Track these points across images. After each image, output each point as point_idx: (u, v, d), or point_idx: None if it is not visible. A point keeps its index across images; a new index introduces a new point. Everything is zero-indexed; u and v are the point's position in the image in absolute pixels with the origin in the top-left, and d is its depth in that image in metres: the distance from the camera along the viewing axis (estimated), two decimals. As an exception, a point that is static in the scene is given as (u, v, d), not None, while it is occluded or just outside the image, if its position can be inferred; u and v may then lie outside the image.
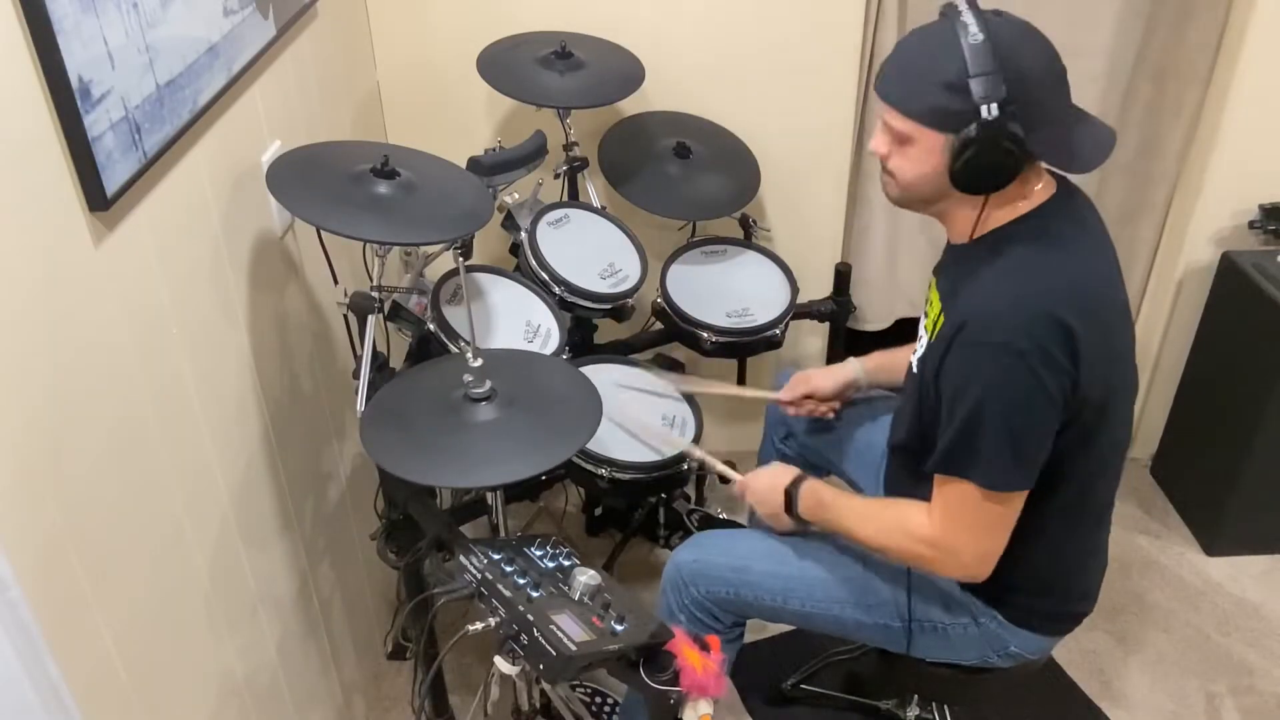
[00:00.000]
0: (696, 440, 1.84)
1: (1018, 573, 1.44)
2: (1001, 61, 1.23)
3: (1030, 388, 1.27)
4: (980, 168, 1.28)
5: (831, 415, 1.87)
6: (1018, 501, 1.35)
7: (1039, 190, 1.36)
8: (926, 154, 1.31)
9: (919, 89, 1.30)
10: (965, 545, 1.38)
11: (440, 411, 1.45)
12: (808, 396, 1.85)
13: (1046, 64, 1.28)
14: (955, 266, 1.42)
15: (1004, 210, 1.35)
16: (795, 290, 2.13)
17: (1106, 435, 1.39)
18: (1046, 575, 1.48)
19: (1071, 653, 2.22)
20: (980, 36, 1.23)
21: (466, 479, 1.45)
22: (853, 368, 1.82)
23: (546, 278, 1.89)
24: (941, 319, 1.38)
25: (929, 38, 1.30)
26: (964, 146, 1.26)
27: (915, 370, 1.48)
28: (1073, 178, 1.42)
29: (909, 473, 1.52)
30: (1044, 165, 1.37)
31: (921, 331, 1.49)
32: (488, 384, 1.44)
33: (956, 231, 1.42)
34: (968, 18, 1.25)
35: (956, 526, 1.37)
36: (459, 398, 1.44)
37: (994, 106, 1.23)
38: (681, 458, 1.80)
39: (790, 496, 1.55)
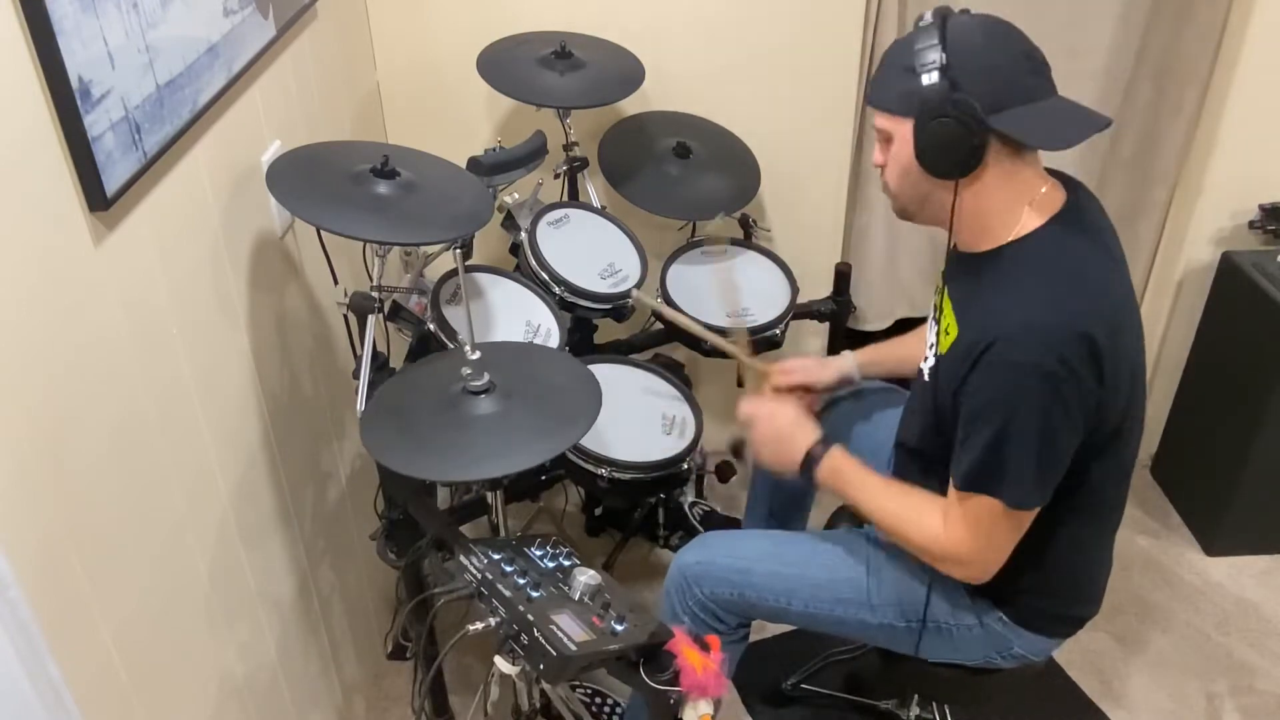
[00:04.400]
0: (696, 441, 1.84)
1: (1026, 575, 1.44)
2: (946, 36, 1.26)
3: (1058, 409, 1.27)
4: (938, 142, 1.28)
5: (816, 407, 1.86)
6: (1030, 517, 1.36)
7: (1046, 196, 1.35)
8: (902, 145, 1.33)
9: (886, 81, 1.34)
10: (976, 556, 1.39)
11: (439, 406, 1.45)
12: (802, 386, 1.83)
13: (1007, 45, 1.29)
14: (970, 277, 1.40)
15: (1015, 220, 1.34)
16: (795, 290, 2.13)
17: (1122, 444, 1.40)
18: (1055, 578, 1.48)
19: (1071, 653, 2.22)
20: (929, 19, 1.27)
21: (467, 472, 1.45)
22: (848, 363, 1.82)
23: (546, 278, 1.89)
24: (955, 331, 1.37)
25: (901, 38, 1.34)
26: (920, 122, 1.29)
27: (927, 380, 1.47)
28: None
29: (915, 474, 1.52)
30: (1041, 171, 1.37)
31: (932, 339, 1.48)
32: (486, 377, 1.44)
33: (962, 238, 1.41)
34: (929, 13, 1.29)
35: (971, 539, 1.37)
36: (458, 392, 1.44)
37: (934, 73, 1.25)
38: (683, 456, 1.80)
39: (811, 459, 1.53)
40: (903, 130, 1.32)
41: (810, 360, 1.85)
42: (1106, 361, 1.27)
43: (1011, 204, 1.34)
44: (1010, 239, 1.34)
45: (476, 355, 1.45)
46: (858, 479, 1.50)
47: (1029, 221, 1.34)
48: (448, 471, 1.46)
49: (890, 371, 1.81)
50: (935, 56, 1.25)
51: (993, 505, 1.33)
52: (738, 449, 2.27)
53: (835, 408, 1.89)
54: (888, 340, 1.84)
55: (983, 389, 1.31)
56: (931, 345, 1.48)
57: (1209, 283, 2.46)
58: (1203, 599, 2.39)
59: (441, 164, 1.67)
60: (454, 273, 1.82)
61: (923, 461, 1.50)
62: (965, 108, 1.25)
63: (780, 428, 1.58)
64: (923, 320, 1.60)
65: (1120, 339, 1.31)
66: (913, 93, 1.27)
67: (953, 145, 1.28)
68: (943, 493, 1.41)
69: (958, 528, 1.38)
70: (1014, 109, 1.27)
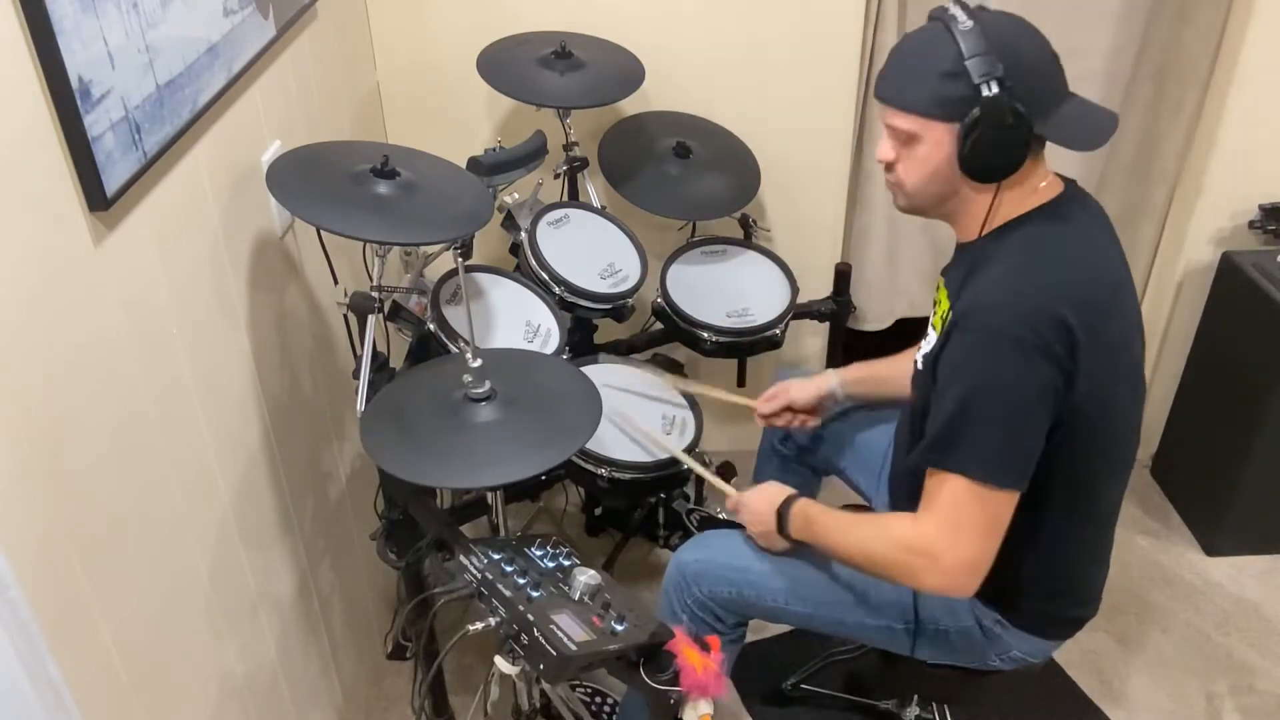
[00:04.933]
0: (696, 441, 1.84)
1: (1023, 576, 1.43)
2: (993, 43, 1.26)
3: (1025, 377, 1.27)
4: (989, 149, 1.29)
5: (810, 427, 1.85)
6: (1006, 505, 1.31)
7: (1045, 188, 1.37)
8: (934, 148, 1.32)
9: (917, 83, 1.32)
10: (947, 548, 1.31)
11: (440, 412, 1.45)
12: (786, 409, 1.83)
13: (1039, 47, 1.31)
14: (963, 263, 1.41)
15: (1010, 206, 1.36)
16: (795, 290, 2.13)
17: (1110, 437, 1.39)
18: (1052, 579, 1.47)
19: (1071, 653, 2.22)
20: (970, 23, 1.27)
21: (467, 480, 1.45)
22: (830, 380, 1.81)
23: (546, 278, 1.89)
24: (949, 315, 1.38)
25: (920, 36, 1.33)
26: (970, 130, 1.28)
27: (921, 367, 1.47)
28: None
29: (912, 474, 1.51)
30: (1048, 167, 1.38)
31: (929, 330, 1.49)
32: (487, 384, 1.44)
33: (965, 229, 1.41)
34: (955, 10, 1.29)
35: (940, 526, 1.32)
36: (459, 398, 1.44)
37: (994, 84, 1.25)
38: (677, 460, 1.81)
39: (781, 517, 1.53)
40: (936, 134, 1.31)
41: (791, 382, 1.84)
42: (1080, 340, 1.27)
43: (1019, 197, 1.36)
44: (1000, 224, 1.36)
45: (478, 363, 1.45)
46: (823, 519, 1.49)
47: (1021, 207, 1.36)
48: (448, 478, 1.46)
49: (873, 391, 1.79)
50: (991, 66, 1.25)
51: (955, 483, 1.30)
52: (725, 472, 2.29)
53: (830, 426, 1.88)
54: (875, 360, 1.82)
55: (953, 357, 1.32)
56: (927, 334, 1.48)
57: (1209, 283, 2.46)
58: (1203, 599, 2.39)
59: (441, 164, 1.67)
60: (454, 273, 1.82)
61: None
62: (1023, 118, 1.26)
63: (754, 509, 1.59)
64: (922, 320, 1.60)
65: (1099, 322, 1.30)
66: (958, 99, 1.27)
67: (1004, 153, 1.29)
68: None
69: (928, 517, 1.33)
70: (1053, 112, 1.29)
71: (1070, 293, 1.29)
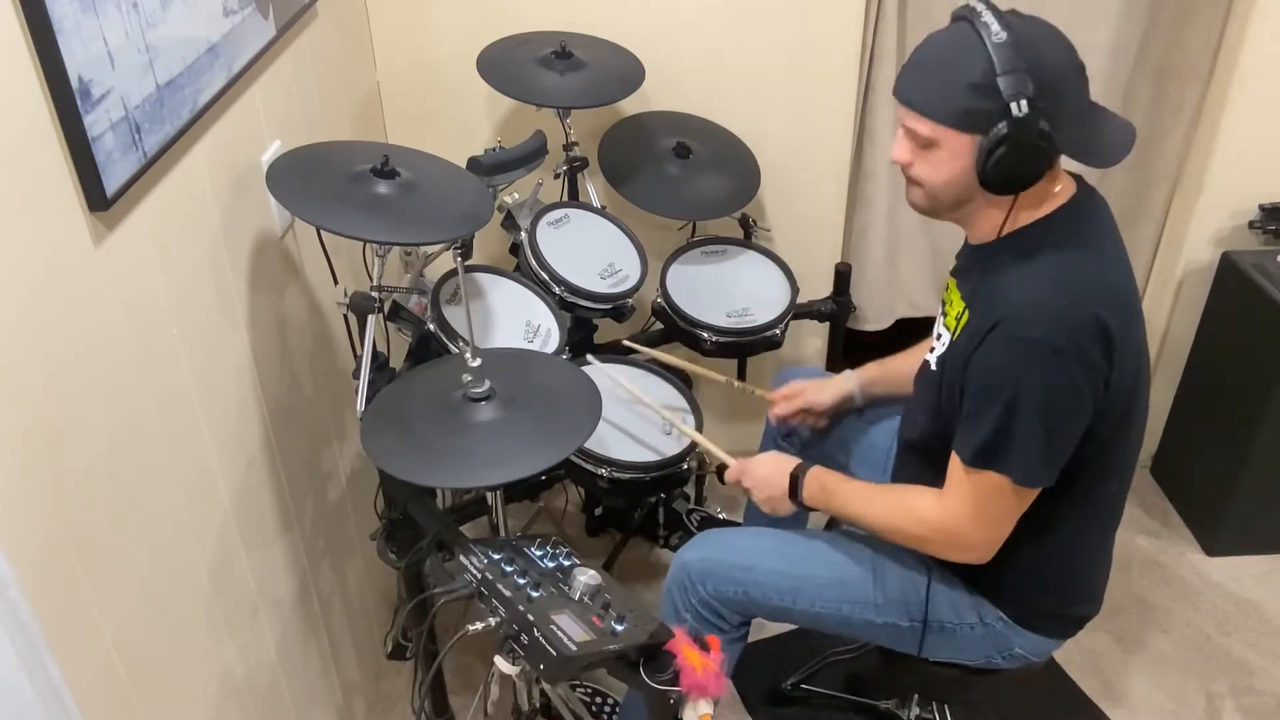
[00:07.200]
0: (696, 441, 1.84)
1: (1028, 574, 1.44)
2: (1027, 58, 1.23)
3: (1068, 384, 1.28)
4: (1011, 167, 1.28)
5: (822, 426, 1.86)
6: (1032, 496, 1.37)
7: (1061, 190, 1.37)
8: (953, 157, 1.31)
9: (944, 92, 1.29)
10: (974, 533, 1.39)
11: (440, 412, 1.45)
12: (803, 410, 1.84)
13: (1067, 59, 1.29)
14: (980, 266, 1.41)
15: (1030, 210, 1.36)
16: (795, 290, 2.13)
17: (1125, 436, 1.40)
18: (1056, 576, 1.48)
19: (1071, 653, 2.22)
20: (1004, 35, 1.24)
21: (467, 480, 1.45)
22: (849, 382, 1.81)
23: (546, 278, 1.89)
24: (967, 316, 1.38)
25: (950, 40, 1.30)
26: (994, 146, 1.26)
27: (935, 368, 1.47)
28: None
29: (920, 470, 1.51)
30: (1063, 166, 1.38)
31: (941, 329, 1.48)
32: (487, 384, 1.44)
33: (979, 232, 1.41)
34: (988, 18, 1.25)
35: (970, 516, 1.38)
36: (458, 398, 1.44)
37: (1024, 103, 1.23)
38: (683, 456, 1.81)
39: (795, 482, 1.56)
40: (956, 144, 1.30)
41: (810, 382, 1.85)
42: (1115, 340, 1.28)
43: (1035, 201, 1.36)
44: (1020, 227, 1.36)
45: (478, 362, 1.45)
46: (843, 488, 1.53)
47: (1040, 210, 1.36)
48: (448, 478, 1.47)
49: (891, 389, 1.79)
50: (1022, 85, 1.22)
51: (999, 481, 1.34)
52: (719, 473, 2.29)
53: (836, 421, 1.88)
54: (889, 356, 1.82)
55: (991, 365, 1.32)
56: (939, 335, 1.48)
57: (1209, 283, 2.46)
58: (1203, 599, 2.39)
59: (441, 164, 1.67)
60: (454, 273, 1.82)
61: (923, 455, 1.51)
62: (1050, 140, 1.25)
63: (763, 473, 1.62)
64: (922, 320, 1.60)
65: (1127, 322, 1.32)
66: (984, 112, 1.25)
67: (1026, 168, 1.28)
68: (942, 484, 1.41)
69: (959, 505, 1.38)
70: (1071, 126, 1.28)
71: (1105, 293, 1.30)
